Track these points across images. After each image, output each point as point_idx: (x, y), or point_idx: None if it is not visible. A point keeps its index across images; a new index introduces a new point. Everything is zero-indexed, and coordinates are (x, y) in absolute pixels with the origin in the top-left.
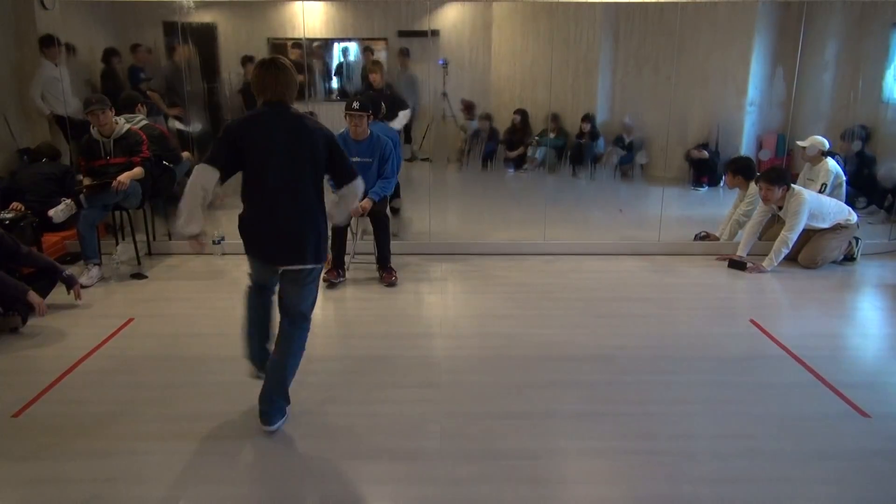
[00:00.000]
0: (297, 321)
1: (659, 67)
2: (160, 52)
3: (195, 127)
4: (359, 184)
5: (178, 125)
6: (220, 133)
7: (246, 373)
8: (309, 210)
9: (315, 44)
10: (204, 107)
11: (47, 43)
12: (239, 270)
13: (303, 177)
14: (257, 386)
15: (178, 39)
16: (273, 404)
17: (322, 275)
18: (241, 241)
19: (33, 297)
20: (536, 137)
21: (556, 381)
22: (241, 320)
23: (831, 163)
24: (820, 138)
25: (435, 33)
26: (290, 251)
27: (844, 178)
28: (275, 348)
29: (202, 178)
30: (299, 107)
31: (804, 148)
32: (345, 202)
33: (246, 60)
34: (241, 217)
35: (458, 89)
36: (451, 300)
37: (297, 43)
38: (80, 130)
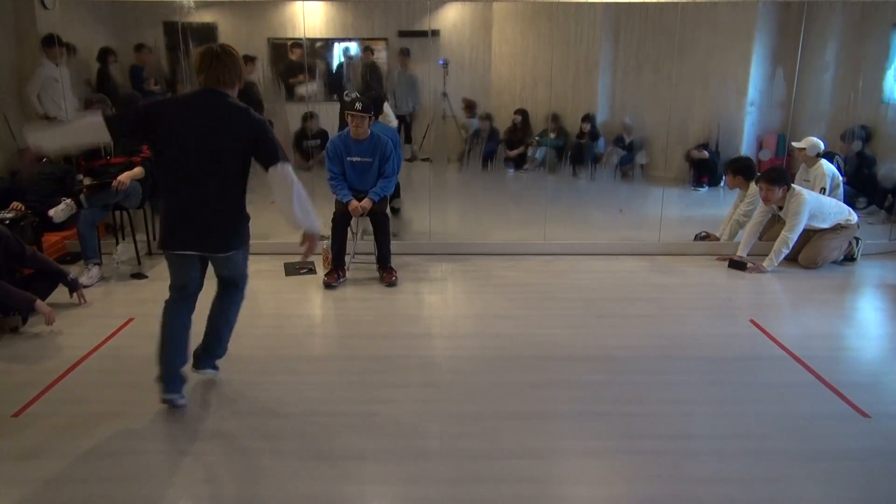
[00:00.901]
0: (231, 291)
1: (659, 67)
2: (160, 51)
3: None
4: (281, 169)
5: None
6: (138, 105)
7: (157, 398)
8: (227, 199)
9: (318, 44)
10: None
11: (49, 43)
12: None
13: (220, 166)
14: (257, 386)
15: (179, 39)
16: (206, 358)
17: (323, 278)
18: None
19: (41, 306)
20: (537, 137)
21: (556, 381)
22: (157, 338)
23: (826, 165)
24: (815, 140)
25: (435, 33)
26: (214, 239)
27: (841, 178)
28: (210, 315)
29: (92, 125)
30: (300, 107)
31: (802, 149)
32: (281, 194)
33: (246, 60)
34: (163, 208)
35: (458, 89)
36: (451, 300)
37: (298, 43)
38: None
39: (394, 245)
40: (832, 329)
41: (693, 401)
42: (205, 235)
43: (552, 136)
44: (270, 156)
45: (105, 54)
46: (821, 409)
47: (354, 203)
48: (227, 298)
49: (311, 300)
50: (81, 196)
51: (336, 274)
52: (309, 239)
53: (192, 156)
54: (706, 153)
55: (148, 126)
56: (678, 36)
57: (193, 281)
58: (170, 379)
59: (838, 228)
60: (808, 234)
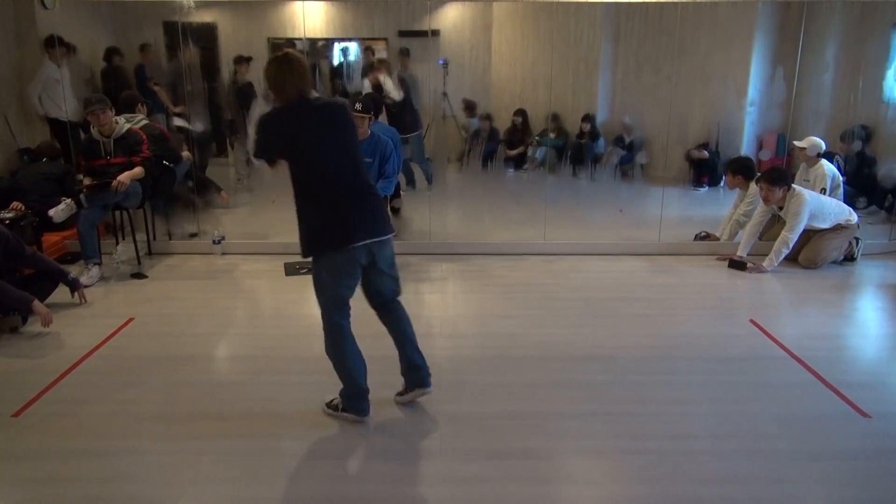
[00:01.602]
0: (396, 303)
1: (659, 67)
2: (160, 51)
3: (195, 126)
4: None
5: (181, 123)
6: (271, 130)
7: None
8: (371, 185)
9: (319, 44)
10: (204, 106)
11: (52, 43)
12: (239, 270)
13: (352, 156)
14: (256, 386)
15: (179, 39)
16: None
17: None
18: (240, 242)
19: (38, 307)
20: (537, 137)
21: (556, 381)
22: (342, 364)
23: (827, 165)
24: (817, 139)
25: (435, 33)
26: (381, 222)
27: (842, 178)
28: (394, 331)
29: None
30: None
31: (803, 149)
32: None
33: (240, 60)
34: (315, 214)
35: (458, 89)
36: (451, 300)
37: (297, 43)
38: (76, 134)
39: (394, 245)
40: (832, 329)
41: (693, 401)
42: (373, 221)
43: (552, 135)
44: None
45: (111, 54)
46: (821, 409)
47: None
48: (395, 308)
49: (311, 300)
50: (81, 196)
51: None
52: None
53: (330, 154)
54: (706, 153)
55: (292, 144)
56: (678, 36)
57: (353, 289)
58: (363, 396)
59: (838, 228)
60: (809, 234)
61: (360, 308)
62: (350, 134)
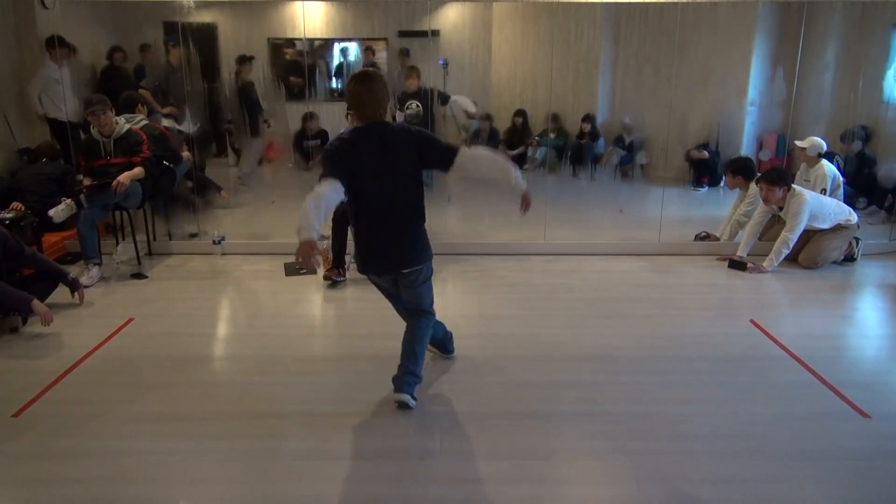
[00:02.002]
0: (419, 316)
1: (659, 68)
2: (160, 51)
3: (191, 127)
4: (467, 152)
5: (168, 124)
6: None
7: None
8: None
9: (316, 43)
10: (204, 106)
11: (52, 44)
12: (239, 270)
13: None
14: (256, 386)
15: (175, 40)
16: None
17: (323, 273)
18: (240, 242)
19: (38, 306)
20: (537, 138)
21: (556, 381)
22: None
23: (827, 166)
24: (818, 139)
25: (435, 33)
26: (396, 254)
27: (842, 179)
28: (404, 340)
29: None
30: (301, 107)
31: (803, 149)
32: (486, 165)
33: (243, 60)
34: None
35: (458, 89)
36: (451, 300)
37: (293, 43)
38: (76, 134)
39: None
40: (832, 329)
41: (693, 401)
42: (396, 252)
43: (552, 136)
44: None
45: (113, 52)
46: (821, 409)
47: None
48: (416, 323)
49: (311, 300)
50: (81, 196)
51: (337, 270)
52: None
53: (369, 178)
54: (706, 153)
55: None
56: (678, 36)
57: (393, 300)
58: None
59: (838, 228)
60: (809, 235)
61: (359, 308)
62: (394, 162)
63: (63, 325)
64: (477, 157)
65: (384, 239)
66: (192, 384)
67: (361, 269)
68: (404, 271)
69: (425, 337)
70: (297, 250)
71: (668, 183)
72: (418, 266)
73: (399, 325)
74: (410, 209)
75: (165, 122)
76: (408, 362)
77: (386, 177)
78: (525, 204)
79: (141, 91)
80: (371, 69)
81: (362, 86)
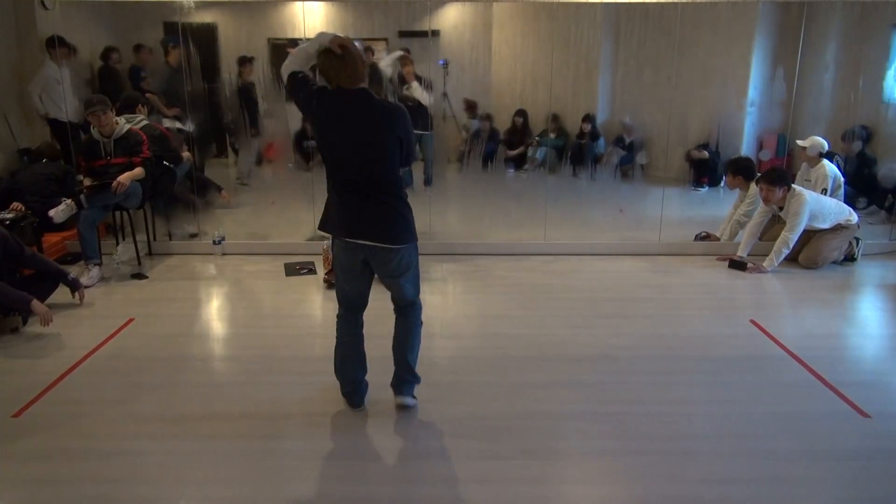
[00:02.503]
0: (407, 311)
1: (659, 68)
2: (160, 52)
3: (192, 127)
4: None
5: (176, 125)
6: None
7: (343, 405)
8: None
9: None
10: (204, 107)
11: (52, 44)
12: (239, 271)
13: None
14: (256, 386)
15: (175, 40)
16: (404, 383)
17: (323, 276)
18: (241, 242)
19: (38, 307)
20: (537, 138)
21: (556, 381)
22: (334, 354)
23: (829, 166)
24: (820, 139)
25: (435, 33)
26: (369, 227)
27: (843, 179)
28: (394, 337)
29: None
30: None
31: (804, 148)
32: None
33: (244, 61)
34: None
35: (458, 90)
36: (452, 300)
37: (297, 43)
38: (76, 134)
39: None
40: (832, 329)
41: (693, 401)
42: (369, 225)
43: (552, 136)
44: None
45: (108, 52)
46: (821, 409)
47: None
48: (405, 318)
49: (311, 300)
50: (81, 196)
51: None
52: None
53: (340, 145)
54: (706, 153)
55: (312, 121)
56: (678, 36)
57: (354, 288)
58: (352, 390)
59: (838, 228)
60: (809, 235)
61: (368, 307)
62: (372, 133)
63: (63, 325)
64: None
65: (358, 207)
66: (193, 384)
67: (326, 229)
68: (381, 246)
69: (416, 334)
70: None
71: (668, 183)
72: (397, 245)
73: None
74: (389, 185)
75: (169, 124)
76: (402, 368)
77: (364, 147)
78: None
79: (149, 96)
80: (343, 44)
81: (336, 56)
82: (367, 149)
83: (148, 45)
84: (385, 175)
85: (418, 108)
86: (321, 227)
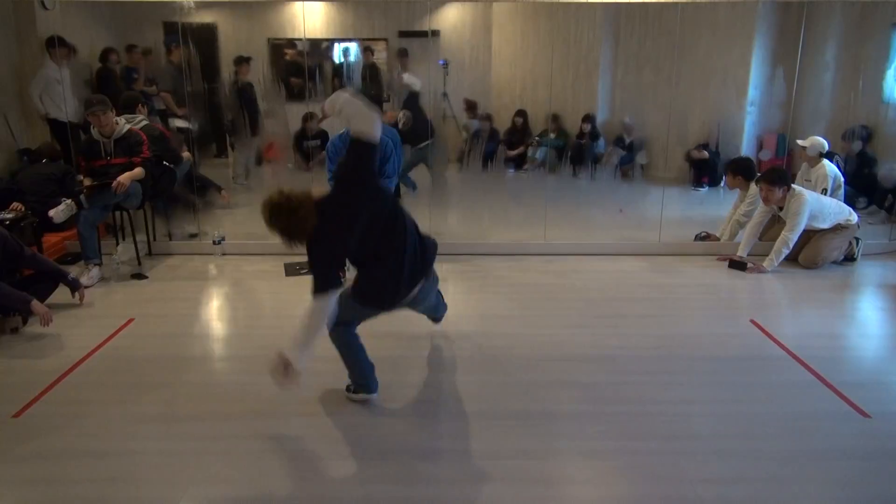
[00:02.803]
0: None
1: (659, 68)
2: (160, 52)
3: (195, 126)
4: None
5: (181, 124)
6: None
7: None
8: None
9: (324, 45)
10: (204, 107)
11: (52, 44)
12: (239, 271)
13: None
14: (257, 386)
15: (177, 40)
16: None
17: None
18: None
19: (37, 307)
20: (537, 138)
21: (556, 381)
22: (346, 359)
23: (829, 166)
24: (820, 139)
25: (435, 34)
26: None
27: (843, 179)
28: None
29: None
30: (300, 107)
31: (804, 148)
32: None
33: (240, 61)
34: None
35: (458, 90)
36: (452, 300)
37: (297, 43)
38: (76, 134)
39: None
40: (832, 329)
41: (693, 401)
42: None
43: (552, 136)
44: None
45: (107, 54)
46: (821, 409)
47: None
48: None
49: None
50: (81, 196)
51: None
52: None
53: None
54: (706, 153)
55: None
56: (678, 36)
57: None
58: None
59: (838, 228)
60: (809, 235)
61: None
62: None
63: (63, 325)
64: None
65: (398, 273)
66: (193, 384)
67: (381, 305)
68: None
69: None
70: (273, 364)
71: (668, 183)
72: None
73: (399, 325)
74: (409, 237)
75: (180, 123)
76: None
77: (367, 233)
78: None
79: (163, 95)
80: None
81: (280, 221)
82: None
83: (147, 45)
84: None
85: (419, 119)
86: (374, 304)
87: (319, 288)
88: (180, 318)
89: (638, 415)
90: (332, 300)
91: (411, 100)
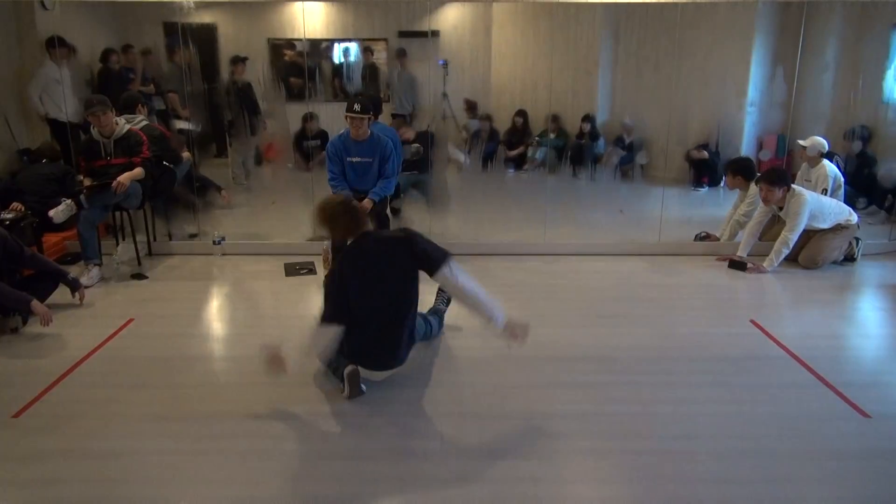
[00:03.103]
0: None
1: (659, 68)
2: (160, 52)
3: (197, 128)
4: (450, 275)
5: (184, 125)
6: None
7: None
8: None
9: (324, 45)
10: (205, 107)
11: (52, 44)
12: (239, 271)
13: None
14: (256, 386)
15: (178, 40)
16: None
17: (324, 276)
18: (240, 242)
19: (37, 307)
20: (537, 138)
21: (555, 381)
22: (323, 367)
23: (829, 166)
24: (820, 139)
25: (435, 34)
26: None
27: (843, 179)
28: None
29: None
30: (301, 108)
31: (804, 147)
32: (465, 302)
33: (236, 60)
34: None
35: (458, 90)
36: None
37: (297, 43)
38: (76, 134)
39: None
40: (832, 329)
41: (693, 401)
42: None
43: (552, 136)
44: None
45: (108, 54)
46: (821, 409)
47: None
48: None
49: (311, 300)
50: (81, 196)
51: None
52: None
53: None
54: (706, 153)
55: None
56: (678, 36)
57: None
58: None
59: (838, 228)
60: (809, 235)
61: None
62: (388, 272)
63: (63, 325)
64: (456, 289)
65: (378, 345)
66: (193, 384)
67: (356, 363)
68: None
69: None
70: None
71: (668, 183)
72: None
73: None
74: (405, 309)
75: (184, 125)
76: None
77: (380, 289)
78: (514, 336)
79: (170, 96)
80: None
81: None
82: (387, 284)
83: (145, 46)
84: (406, 298)
85: (415, 154)
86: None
87: (326, 319)
88: (180, 318)
89: (638, 415)
90: (334, 332)
91: (423, 138)
